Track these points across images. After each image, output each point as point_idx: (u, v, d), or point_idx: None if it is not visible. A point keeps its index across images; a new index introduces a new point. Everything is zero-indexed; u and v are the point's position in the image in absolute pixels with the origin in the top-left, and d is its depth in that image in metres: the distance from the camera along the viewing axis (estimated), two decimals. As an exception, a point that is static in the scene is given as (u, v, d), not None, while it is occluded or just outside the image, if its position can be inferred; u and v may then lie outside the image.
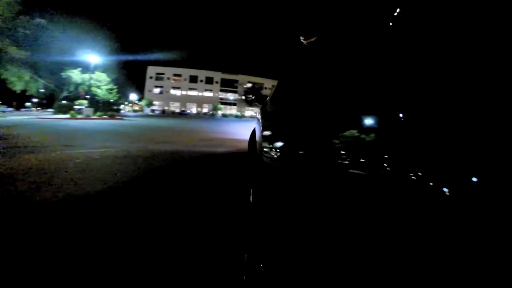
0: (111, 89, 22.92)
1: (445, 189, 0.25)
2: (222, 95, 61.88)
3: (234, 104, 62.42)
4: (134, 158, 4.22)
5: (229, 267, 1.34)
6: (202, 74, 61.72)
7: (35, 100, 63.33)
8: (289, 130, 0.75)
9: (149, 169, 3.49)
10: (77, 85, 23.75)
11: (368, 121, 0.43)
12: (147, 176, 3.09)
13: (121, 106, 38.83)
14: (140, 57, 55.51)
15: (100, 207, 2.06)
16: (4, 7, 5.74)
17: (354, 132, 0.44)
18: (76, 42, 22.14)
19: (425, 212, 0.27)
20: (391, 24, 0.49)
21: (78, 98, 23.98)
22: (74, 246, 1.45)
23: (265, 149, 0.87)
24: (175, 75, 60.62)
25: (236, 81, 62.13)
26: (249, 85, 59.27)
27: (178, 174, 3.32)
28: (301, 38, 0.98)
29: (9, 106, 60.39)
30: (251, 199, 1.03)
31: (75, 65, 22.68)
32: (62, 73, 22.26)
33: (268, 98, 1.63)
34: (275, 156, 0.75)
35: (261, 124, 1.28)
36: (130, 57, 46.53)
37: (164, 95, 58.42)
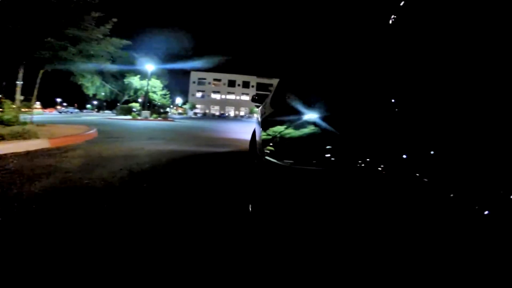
0: (165, 95, 25.68)
1: (446, 190, 0.24)
2: (259, 98, 63.33)
3: (270, 108, 63.29)
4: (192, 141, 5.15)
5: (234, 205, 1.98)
6: (239, 78, 64.18)
7: (94, 102, 72.46)
8: (288, 130, 0.74)
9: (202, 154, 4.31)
10: (136, 90, 27.10)
11: (364, 122, 0.43)
12: (207, 159, 3.89)
13: (167, 109, 42.61)
14: (185, 64, 59.82)
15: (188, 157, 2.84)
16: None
17: (349, 131, 0.45)
18: (137, 53, 25.36)
19: (425, 212, 0.26)
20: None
21: (135, 101, 27.32)
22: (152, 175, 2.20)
23: (264, 148, 0.81)
24: (215, 79, 64.05)
25: (271, 85, 63.06)
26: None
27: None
28: None
29: (73, 107, 69.67)
30: (252, 198, 1.00)
31: (135, 72, 25.92)
32: (125, 80, 25.68)
33: (267, 98, 1.65)
34: (274, 155, 0.72)
35: (260, 124, 1.21)
36: (177, 65, 50.65)
37: (205, 99, 62.20)
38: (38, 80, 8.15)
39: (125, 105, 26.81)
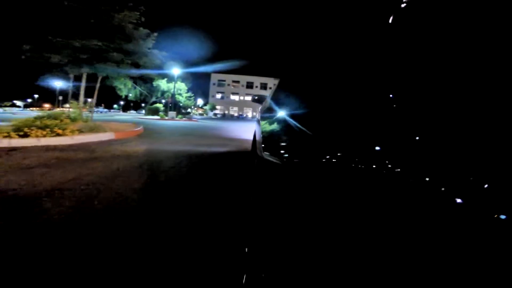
0: (190, 97, 27.72)
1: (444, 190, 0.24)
2: (276, 100, 64.46)
3: (287, 109, 64.18)
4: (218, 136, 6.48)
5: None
6: (257, 80, 65.56)
7: (121, 102, 77.52)
8: (287, 130, 0.73)
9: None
10: (163, 92, 29.42)
11: (367, 121, 0.44)
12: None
13: (188, 110, 45.24)
14: (207, 68, 62.32)
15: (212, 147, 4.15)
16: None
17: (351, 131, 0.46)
18: (165, 58, 27.61)
19: (424, 213, 0.26)
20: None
21: (159, 102, 29.75)
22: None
23: (264, 148, 0.83)
24: (234, 81, 65.98)
25: (290, 86, 63.85)
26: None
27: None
28: None
29: (101, 107, 74.61)
30: (253, 198, 1.04)
31: (162, 76, 28.17)
32: (154, 82, 28.05)
33: (267, 98, 1.64)
34: (273, 154, 0.71)
35: (260, 124, 1.21)
36: (200, 69, 53.12)
37: (225, 100, 64.36)
38: (98, 86, 10.00)
39: (152, 106, 29.20)
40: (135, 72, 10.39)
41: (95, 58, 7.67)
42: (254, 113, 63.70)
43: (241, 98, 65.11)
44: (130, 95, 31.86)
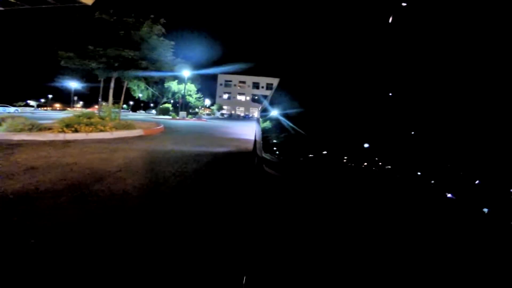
0: (199, 98, 28.99)
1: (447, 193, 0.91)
2: (282, 100, 65.54)
3: (293, 109, 65.34)
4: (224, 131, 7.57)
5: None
6: (263, 80, 66.54)
7: (130, 102, 79.86)
8: (287, 130, 1.30)
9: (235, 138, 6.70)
10: (174, 93, 30.78)
11: (366, 127, 1.25)
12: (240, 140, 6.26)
13: (195, 110, 46.77)
14: (215, 69, 63.70)
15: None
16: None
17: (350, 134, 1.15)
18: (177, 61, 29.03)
19: (424, 215, 1.15)
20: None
21: (168, 103, 31.18)
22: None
23: (264, 148, 1.33)
24: (240, 82, 67.12)
25: (296, 87, 64.79)
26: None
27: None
28: None
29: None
30: (254, 198, 1.03)
31: (173, 77, 29.52)
32: (165, 84, 29.45)
33: (267, 98, 2.51)
34: (273, 154, 1.23)
35: (259, 123, 1.96)
36: (208, 71, 54.67)
37: (231, 101, 65.64)
38: (124, 89, 11.27)
39: (162, 106, 30.63)
40: (155, 74, 11.64)
41: (125, 65, 8.90)
42: (260, 113, 64.83)
43: (247, 98, 66.19)
44: (141, 95, 33.44)
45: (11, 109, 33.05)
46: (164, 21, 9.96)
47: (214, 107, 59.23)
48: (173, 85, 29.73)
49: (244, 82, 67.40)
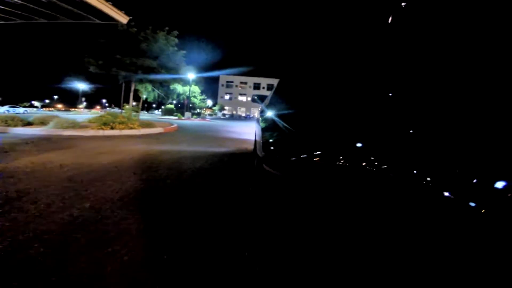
0: (203, 99, 30.56)
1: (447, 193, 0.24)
2: (282, 101, 67.03)
3: (293, 110, 66.72)
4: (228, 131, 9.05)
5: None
6: (264, 81, 68.14)
7: (133, 103, 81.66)
8: (287, 130, 0.72)
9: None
10: (179, 94, 32.35)
11: (369, 127, 0.42)
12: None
13: (197, 110, 48.50)
14: (217, 72, 65.09)
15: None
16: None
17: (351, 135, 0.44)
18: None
19: (424, 216, 0.26)
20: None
21: (172, 104, 32.81)
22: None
23: (264, 149, 0.81)
24: (242, 82, 68.66)
25: (296, 88, 66.13)
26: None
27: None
28: None
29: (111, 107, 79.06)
30: (253, 198, 1.06)
31: (178, 80, 31.13)
32: (171, 86, 31.03)
33: (267, 98, 1.75)
34: (271, 154, 0.70)
35: (260, 125, 1.19)
36: (212, 73, 55.99)
37: (233, 101, 67.23)
38: (132, 91, 12.81)
39: (167, 107, 32.22)
40: (167, 77, 13.17)
41: (147, 72, 10.46)
42: (261, 114, 66.13)
43: (249, 99, 67.68)
44: (145, 96, 35.18)
45: (21, 110, 34.62)
46: (177, 33, 11.48)
47: (216, 108, 60.91)
48: (179, 87, 31.31)
49: (245, 83, 69.03)
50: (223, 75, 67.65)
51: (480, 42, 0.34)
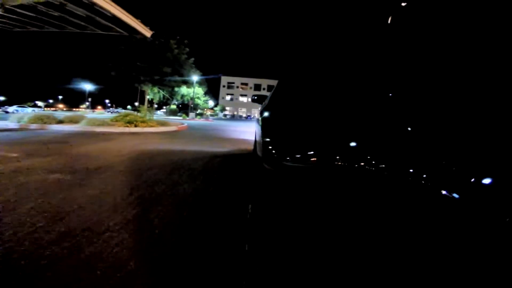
0: (207, 100, 32.09)
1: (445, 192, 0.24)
2: (282, 102, 68.45)
3: (293, 111, 68.19)
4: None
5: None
6: (265, 82, 69.51)
7: (136, 104, 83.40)
8: (287, 131, 0.72)
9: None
10: (183, 96, 33.83)
11: (367, 126, 0.43)
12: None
13: (198, 111, 50.14)
14: (219, 73, 66.46)
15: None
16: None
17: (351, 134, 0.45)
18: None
19: (424, 216, 0.25)
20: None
21: (174, 104, 34.43)
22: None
23: (264, 149, 0.81)
24: (243, 83, 70.08)
25: (296, 89, 67.45)
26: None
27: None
28: None
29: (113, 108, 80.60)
30: (253, 199, 1.07)
31: (183, 81, 32.65)
32: (175, 88, 32.54)
33: (267, 98, 1.77)
34: (273, 155, 0.69)
35: (260, 125, 1.19)
36: (213, 73, 57.42)
37: (234, 102, 68.70)
38: (139, 92, 14.26)
39: (171, 108, 33.73)
40: (178, 79, 14.65)
41: (162, 77, 11.96)
42: (261, 114, 67.40)
43: (249, 99, 69.09)
44: (149, 97, 36.79)
45: (29, 109, 36.00)
46: (187, 41, 12.96)
47: (217, 108, 62.32)
48: (183, 89, 32.84)
49: (246, 84, 70.50)
50: (225, 76, 69.06)
51: (480, 42, 0.36)
